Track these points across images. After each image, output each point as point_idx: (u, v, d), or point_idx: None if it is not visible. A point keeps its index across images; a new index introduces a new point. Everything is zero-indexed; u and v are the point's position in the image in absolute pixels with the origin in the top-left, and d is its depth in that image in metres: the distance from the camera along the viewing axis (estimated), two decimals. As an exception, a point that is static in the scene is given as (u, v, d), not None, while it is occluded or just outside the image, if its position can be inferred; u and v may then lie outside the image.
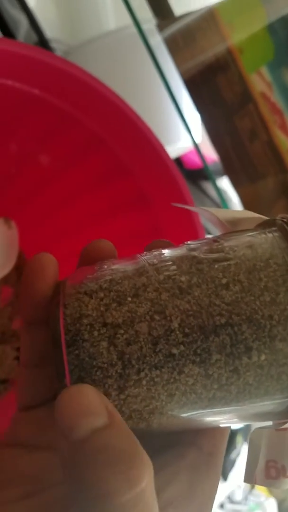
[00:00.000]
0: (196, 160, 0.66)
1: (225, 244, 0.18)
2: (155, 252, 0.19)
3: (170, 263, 0.18)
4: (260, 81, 0.45)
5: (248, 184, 0.47)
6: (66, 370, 0.16)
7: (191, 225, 0.42)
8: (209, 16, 0.44)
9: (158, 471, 0.16)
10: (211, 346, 0.16)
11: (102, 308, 0.17)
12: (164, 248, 0.20)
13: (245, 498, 0.81)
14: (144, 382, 0.16)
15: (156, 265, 0.18)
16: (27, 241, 0.51)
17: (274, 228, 0.19)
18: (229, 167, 0.45)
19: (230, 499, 0.79)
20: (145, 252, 0.20)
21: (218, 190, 0.49)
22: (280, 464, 0.19)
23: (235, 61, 0.44)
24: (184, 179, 0.41)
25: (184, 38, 0.45)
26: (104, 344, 0.16)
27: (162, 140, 0.40)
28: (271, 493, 0.85)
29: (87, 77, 0.37)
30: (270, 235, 0.18)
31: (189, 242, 0.20)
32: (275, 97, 0.47)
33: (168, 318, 0.16)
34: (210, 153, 0.55)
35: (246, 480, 0.20)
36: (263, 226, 0.20)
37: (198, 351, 0.16)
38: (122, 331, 0.16)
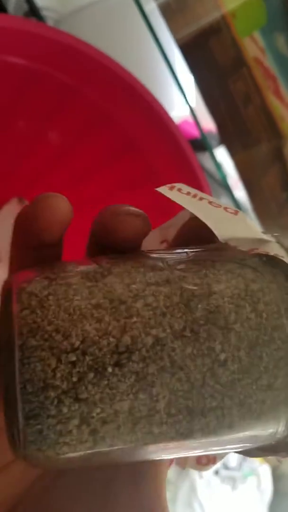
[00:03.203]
0: (190, 131, 0.66)
1: (222, 288, 0.15)
2: (139, 275, 0.15)
3: (156, 309, 0.14)
4: (253, 46, 0.45)
5: (243, 151, 0.47)
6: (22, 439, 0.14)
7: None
8: (202, -20, 0.44)
9: None
10: (195, 426, 0.14)
11: (74, 379, 0.13)
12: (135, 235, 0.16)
13: (240, 465, 0.83)
14: (113, 453, 0.14)
15: (138, 312, 0.14)
16: None
17: (279, 271, 0.16)
18: (224, 133, 0.45)
19: (225, 466, 0.81)
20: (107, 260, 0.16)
21: (215, 159, 0.49)
22: (212, 455, 0.20)
23: (228, 25, 0.44)
24: (193, 151, 0.41)
25: (177, 4, 0.45)
26: (75, 422, 0.14)
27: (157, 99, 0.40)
28: (265, 459, 0.87)
29: (90, 49, 0.36)
30: (274, 285, 0.15)
31: (168, 257, 0.16)
32: (268, 63, 0.47)
33: (155, 398, 0.14)
34: (205, 123, 0.55)
35: (177, 464, 0.20)
36: (263, 258, 0.16)
37: (181, 430, 0.14)
38: (98, 410, 0.14)
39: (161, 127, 0.40)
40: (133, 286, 0.15)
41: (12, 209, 0.48)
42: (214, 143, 0.60)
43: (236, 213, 0.17)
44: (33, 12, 0.57)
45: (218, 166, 0.45)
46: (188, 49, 0.43)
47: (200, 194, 0.17)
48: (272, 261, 0.16)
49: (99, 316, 0.14)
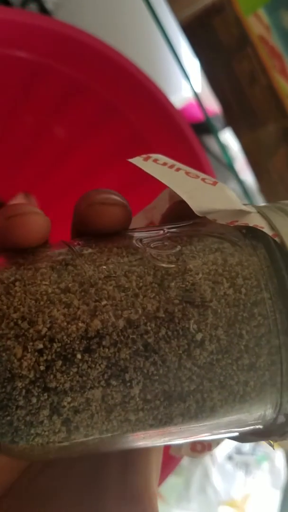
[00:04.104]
0: (196, 114, 0.65)
1: (198, 264, 0.14)
2: (111, 259, 0.14)
3: (127, 290, 0.13)
4: (258, 24, 0.44)
5: (249, 133, 0.46)
6: None
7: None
8: None
9: None
10: (174, 412, 0.14)
11: (42, 367, 0.13)
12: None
13: (253, 449, 0.83)
14: (90, 442, 0.14)
15: (109, 294, 0.13)
16: (47, 215, 0.50)
17: (259, 243, 0.15)
18: (230, 115, 0.44)
19: (238, 451, 0.81)
20: (83, 244, 0.15)
21: (220, 142, 0.48)
22: (207, 442, 0.19)
23: (231, 3, 0.42)
24: (200, 144, 0.41)
25: (178, -18, 0.43)
26: (46, 412, 0.13)
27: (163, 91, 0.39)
28: (279, 444, 0.87)
29: (95, 42, 0.36)
30: (254, 258, 0.14)
31: (146, 239, 0.15)
32: (274, 41, 0.46)
33: (128, 384, 0.13)
34: (210, 106, 0.54)
35: (172, 451, 0.20)
36: (243, 230, 0.15)
37: (159, 416, 0.14)
38: (69, 399, 0.13)
39: (168, 120, 0.40)
40: (104, 267, 0.14)
41: (18, 204, 0.48)
42: (220, 126, 0.59)
43: (214, 184, 0.16)
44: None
45: (223, 149, 0.44)
46: (191, 30, 0.42)
47: (178, 165, 0.16)
48: (252, 233, 0.15)
49: (68, 300, 0.13)
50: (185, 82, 0.44)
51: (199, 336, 0.13)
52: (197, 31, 0.42)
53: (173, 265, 0.14)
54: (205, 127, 0.52)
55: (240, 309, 0.14)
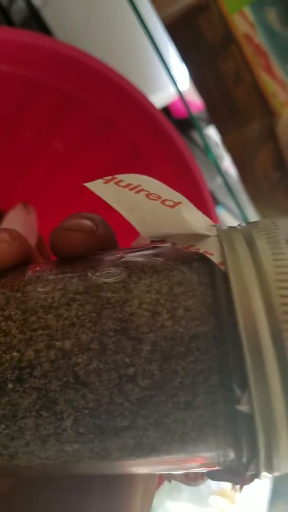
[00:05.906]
0: (184, 110, 0.65)
1: (141, 293, 0.13)
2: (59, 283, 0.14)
3: (66, 320, 0.13)
4: (243, 22, 0.44)
5: (234, 130, 0.46)
6: None
7: (203, 206, 0.42)
8: None
9: None
10: (110, 446, 0.13)
11: None
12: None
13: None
14: (35, 468, 0.14)
15: (47, 323, 0.13)
16: (46, 225, 0.51)
17: (207, 271, 0.14)
18: (215, 113, 0.45)
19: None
20: (44, 270, 0.15)
21: (203, 138, 0.49)
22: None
23: (216, 0, 0.43)
24: (193, 156, 0.42)
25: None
26: None
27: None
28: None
29: (88, 59, 0.37)
30: (201, 288, 0.13)
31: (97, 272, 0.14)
32: (259, 39, 0.46)
33: (59, 416, 0.13)
34: (197, 101, 0.54)
35: (164, 476, 0.20)
36: (195, 256, 0.14)
37: (96, 450, 0.13)
38: (3, 426, 0.13)
39: (160, 133, 0.41)
40: (48, 295, 0.14)
41: (17, 214, 0.48)
42: (206, 122, 0.60)
43: (174, 206, 0.15)
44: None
45: (206, 146, 0.44)
46: (175, 29, 0.42)
47: (143, 185, 0.15)
48: (204, 259, 0.14)
49: (7, 329, 0.13)
50: (171, 82, 0.45)
51: (131, 370, 0.13)
52: (182, 30, 0.42)
53: (115, 294, 0.14)
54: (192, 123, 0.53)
55: (177, 343, 0.13)
